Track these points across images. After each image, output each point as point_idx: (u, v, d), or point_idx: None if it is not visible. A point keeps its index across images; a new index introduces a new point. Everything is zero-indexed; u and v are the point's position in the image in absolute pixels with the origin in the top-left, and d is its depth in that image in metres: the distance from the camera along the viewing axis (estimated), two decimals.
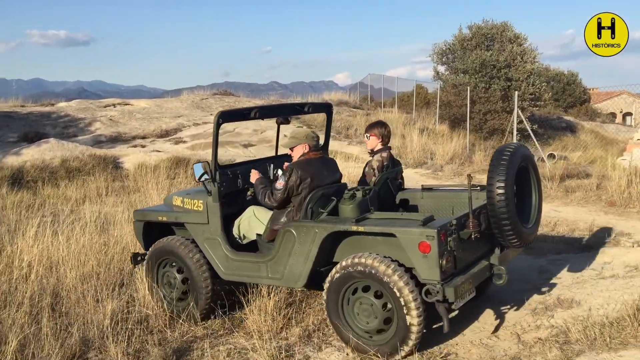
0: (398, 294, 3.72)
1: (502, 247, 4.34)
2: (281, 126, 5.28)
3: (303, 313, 4.78)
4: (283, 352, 4.07)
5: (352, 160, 12.67)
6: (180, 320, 4.64)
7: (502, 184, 3.98)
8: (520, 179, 4.37)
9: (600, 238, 6.67)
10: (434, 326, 4.34)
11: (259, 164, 5.19)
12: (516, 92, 13.86)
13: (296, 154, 4.59)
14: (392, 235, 3.83)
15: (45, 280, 5.27)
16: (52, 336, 4.10)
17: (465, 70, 19.18)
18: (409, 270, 3.82)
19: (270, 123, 7.54)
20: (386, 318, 3.87)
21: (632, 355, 3.68)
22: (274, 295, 4.64)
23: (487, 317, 4.68)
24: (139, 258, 5.17)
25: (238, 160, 9.81)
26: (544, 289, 5.07)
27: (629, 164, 10.24)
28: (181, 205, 4.85)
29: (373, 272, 3.80)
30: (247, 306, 4.67)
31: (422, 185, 5.19)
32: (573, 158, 13.83)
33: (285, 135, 4.93)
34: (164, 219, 4.98)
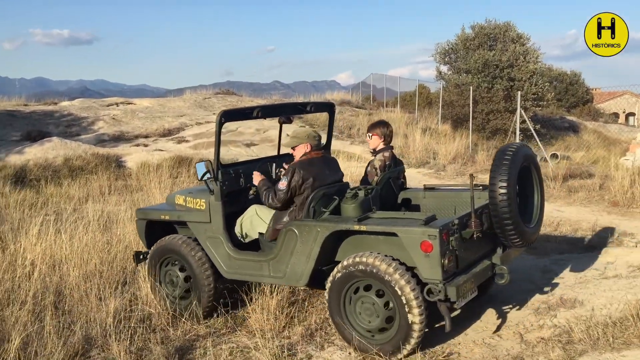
0: (399, 293, 3.72)
1: (505, 247, 4.34)
2: (283, 125, 5.28)
3: (305, 312, 4.78)
4: (285, 351, 4.07)
5: (355, 159, 12.68)
6: (183, 319, 4.64)
7: (505, 184, 3.97)
8: (523, 179, 4.36)
9: (603, 238, 6.65)
10: (436, 325, 4.34)
11: (262, 163, 5.19)
12: (519, 92, 13.86)
13: (298, 154, 4.59)
14: (394, 234, 3.83)
15: (48, 279, 5.28)
16: (54, 334, 4.10)
17: (467, 70, 19.18)
18: (410, 269, 3.83)
19: (273, 122, 7.55)
20: (388, 317, 3.87)
21: (635, 355, 3.68)
22: (277, 294, 4.64)
23: (490, 316, 4.67)
24: (142, 256, 5.17)
25: (240, 160, 9.82)
26: (546, 289, 5.06)
27: (631, 164, 10.23)
28: (184, 204, 4.86)
29: (374, 271, 3.80)
30: (250, 305, 4.67)
31: (424, 185, 5.19)
32: (576, 158, 13.80)
33: (287, 135, 4.93)
34: (167, 217, 4.98)
